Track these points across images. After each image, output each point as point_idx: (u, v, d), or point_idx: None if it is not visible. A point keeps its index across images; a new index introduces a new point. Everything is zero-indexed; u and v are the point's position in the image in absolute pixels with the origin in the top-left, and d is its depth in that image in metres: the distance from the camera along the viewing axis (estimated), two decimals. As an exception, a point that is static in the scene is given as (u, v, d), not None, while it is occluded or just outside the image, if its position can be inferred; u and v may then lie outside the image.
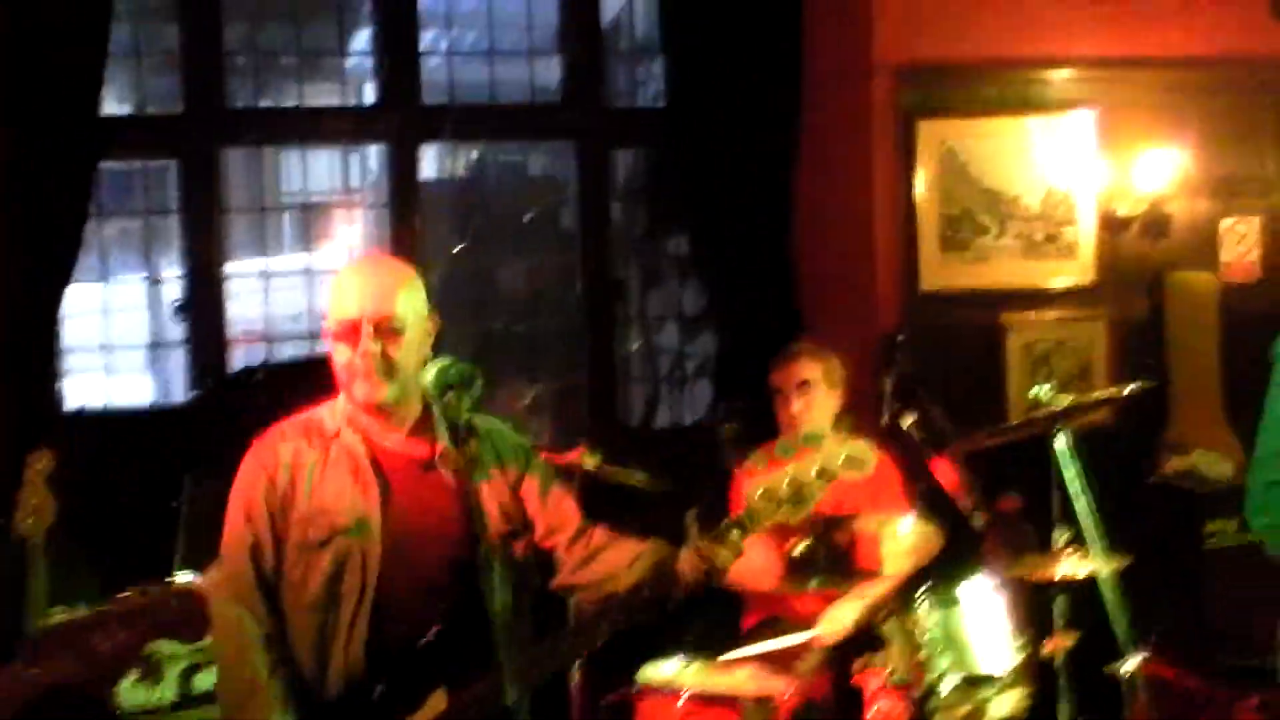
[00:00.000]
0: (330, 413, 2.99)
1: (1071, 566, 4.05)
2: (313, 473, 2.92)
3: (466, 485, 2.80)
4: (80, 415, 5.44)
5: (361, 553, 2.86)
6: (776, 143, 5.62)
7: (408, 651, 2.83)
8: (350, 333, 2.86)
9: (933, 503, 4.48)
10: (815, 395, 4.51)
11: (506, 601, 2.72)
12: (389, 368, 2.87)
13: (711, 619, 4.12)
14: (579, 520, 3.11)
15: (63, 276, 5.08)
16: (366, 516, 2.88)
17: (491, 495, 2.95)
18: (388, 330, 2.85)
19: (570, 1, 5.92)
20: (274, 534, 2.91)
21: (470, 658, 2.79)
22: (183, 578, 4.34)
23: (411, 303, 2.91)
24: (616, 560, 3.04)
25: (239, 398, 4.86)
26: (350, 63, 6.38)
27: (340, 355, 2.90)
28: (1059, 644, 4.03)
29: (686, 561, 2.89)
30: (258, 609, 2.88)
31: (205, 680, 3.77)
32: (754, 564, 3.48)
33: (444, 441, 2.86)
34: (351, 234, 7.21)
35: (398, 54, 5.74)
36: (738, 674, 3.88)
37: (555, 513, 3.08)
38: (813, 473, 2.85)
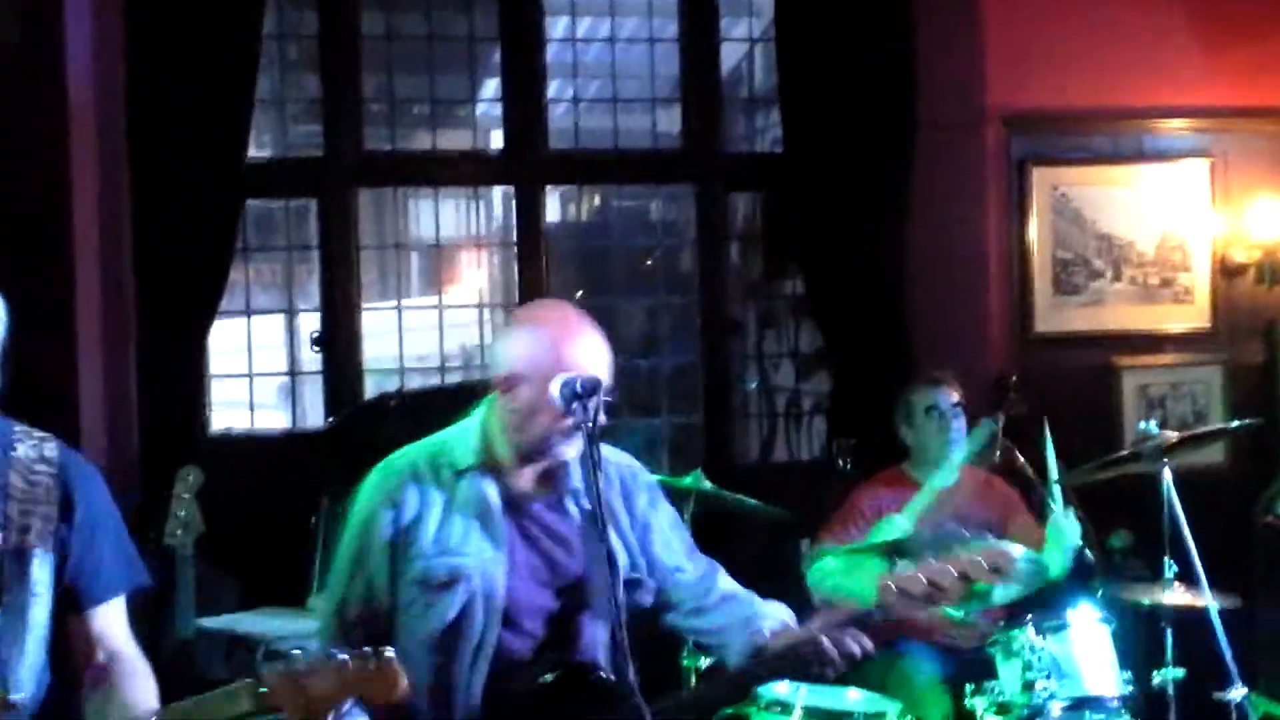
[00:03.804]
0: (461, 446, 2.92)
1: (1179, 598, 4.13)
2: (439, 510, 2.85)
3: (598, 526, 2.77)
4: (225, 438, 5.73)
5: (486, 600, 2.81)
6: (890, 188, 5.76)
7: (523, 698, 2.79)
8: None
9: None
10: (964, 418, 4.67)
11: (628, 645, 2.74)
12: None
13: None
14: (703, 563, 3.08)
15: (210, 307, 5.40)
16: (492, 561, 2.83)
17: (618, 538, 2.94)
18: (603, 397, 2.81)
19: (691, 52, 6.12)
20: (391, 568, 2.84)
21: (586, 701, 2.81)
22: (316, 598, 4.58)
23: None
24: (730, 619, 3.02)
25: (374, 422, 5.08)
26: (480, 110, 6.64)
27: (545, 408, 2.79)
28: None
29: (811, 650, 2.85)
30: (356, 639, 2.69)
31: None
32: None
33: (576, 480, 2.89)
34: (478, 276, 7.46)
35: (525, 102, 5.97)
36: (850, 694, 3.98)
37: (679, 552, 3.05)
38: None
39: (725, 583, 3.08)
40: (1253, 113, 5.88)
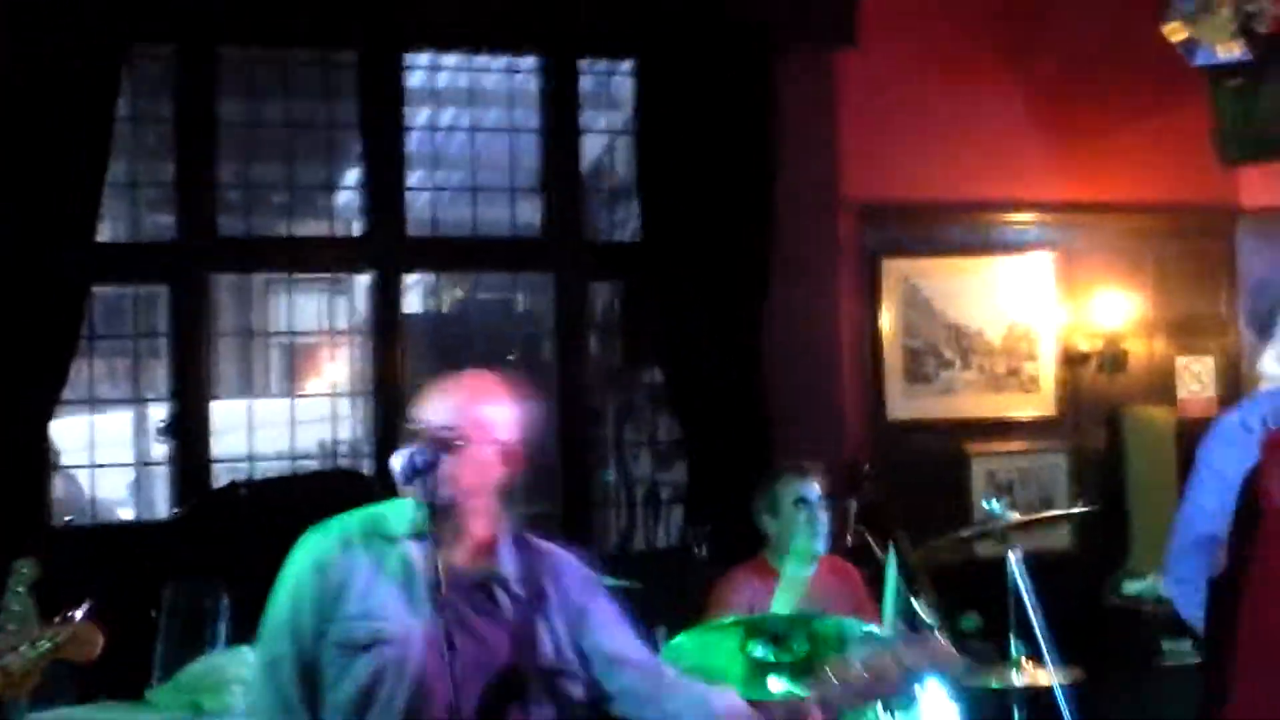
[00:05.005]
0: (396, 515, 2.91)
1: (1026, 678, 4.17)
2: (367, 575, 2.83)
3: (524, 614, 2.82)
4: (67, 528, 5.56)
5: (399, 666, 2.77)
6: (747, 278, 5.83)
7: None
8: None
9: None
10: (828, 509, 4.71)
11: None
12: (443, 478, 2.81)
13: None
14: (649, 653, 3.06)
15: (53, 394, 5.25)
16: (411, 630, 2.80)
17: (547, 627, 2.92)
18: (447, 442, 2.81)
19: (552, 143, 6.17)
20: (316, 625, 2.82)
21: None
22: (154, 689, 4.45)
23: (487, 425, 2.88)
24: (684, 704, 2.99)
25: (223, 512, 4.97)
26: (340, 200, 6.60)
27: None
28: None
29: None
30: (293, 697, 2.81)
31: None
32: None
33: (506, 566, 2.88)
34: (336, 369, 7.37)
35: (385, 190, 5.94)
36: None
37: (623, 643, 3.01)
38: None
39: (673, 670, 3.10)
40: (1096, 207, 6.09)
